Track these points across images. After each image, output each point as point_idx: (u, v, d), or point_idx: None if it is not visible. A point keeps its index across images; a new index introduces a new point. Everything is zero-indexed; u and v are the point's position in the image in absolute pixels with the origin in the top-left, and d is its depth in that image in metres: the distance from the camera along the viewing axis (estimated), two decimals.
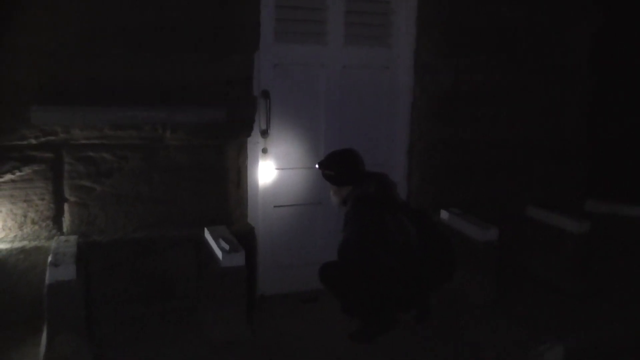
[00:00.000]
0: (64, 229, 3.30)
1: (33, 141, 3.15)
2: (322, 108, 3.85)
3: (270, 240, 3.82)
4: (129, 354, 3.01)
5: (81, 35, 3.14)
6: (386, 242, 3.13)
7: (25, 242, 3.20)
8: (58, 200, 3.27)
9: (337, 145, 3.61)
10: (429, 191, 4.08)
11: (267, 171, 3.74)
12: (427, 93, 3.98)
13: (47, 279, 2.78)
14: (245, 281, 3.12)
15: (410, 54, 3.96)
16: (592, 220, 3.99)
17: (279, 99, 3.68)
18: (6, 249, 3.15)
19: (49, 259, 2.87)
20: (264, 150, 3.70)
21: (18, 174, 3.16)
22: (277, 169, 3.79)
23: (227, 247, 3.09)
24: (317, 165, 3.43)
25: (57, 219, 3.29)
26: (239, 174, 3.61)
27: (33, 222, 3.24)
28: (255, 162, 3.69)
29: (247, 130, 3.56)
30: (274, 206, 3.82)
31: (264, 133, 3.67)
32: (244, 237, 3.38)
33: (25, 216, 3.22)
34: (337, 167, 3.33)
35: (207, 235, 3.36)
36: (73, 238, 3.21)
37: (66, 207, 3.29)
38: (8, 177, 3.15)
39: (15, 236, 3.21)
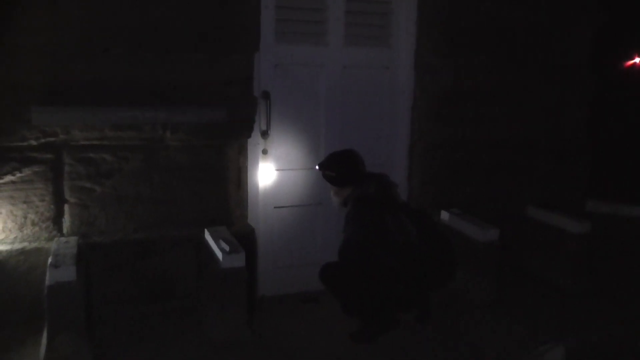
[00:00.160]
0: (64, 230, 3.30)
1: (33, 142, 3.15)
2: (323, 108, 3.85)
3: (270, 241, 3.82)
4: (129, 354, 3.01)
5: (81, 35, 3.14)
6: (387, 243, 3.13)
7: (25, 244, 3.20)
8: (58, 201, 3.27)
9: (338, 145, 3.61)
10: (429, 191, 4.08)
11: (267, 172, 3.74)
12: (427, 93, 3.98)
13: (48, 280, 2.78)
14: (246, 282, 3.12)
15: (411, 54, 3.96)
16: (592, 220, 3.98)
17: (279, 100, 3.68)
18: (6, 250, 3.15)
19: (49, 260, 2.87)
20: (264, 151, 3.70)
21: (18, 175, 3.16)
22: (277, 169, 3.79)
23: (227, 248, 3.09)
24: (317, 167, 3.42)
25: (57, 220, 3.29)
26: (239, 175, 3.61)
27: (33, 224, 3.24)
28: (256, 163, 3.69)
29: (248, 130, 3.56)
30: (274, 207, 3.82)
31: (264, 134, 3.67)
32: (244, 238, 3.38)
33: (25, 217, 3.22)
34: (338, 167, 3.32)
35: (208, 236, 3.36)
36: (73, 239, 3.21)
37: (66, 208, 3.29)
38: (8, 178, 3.15)
39: (15, 237, 3.21)
